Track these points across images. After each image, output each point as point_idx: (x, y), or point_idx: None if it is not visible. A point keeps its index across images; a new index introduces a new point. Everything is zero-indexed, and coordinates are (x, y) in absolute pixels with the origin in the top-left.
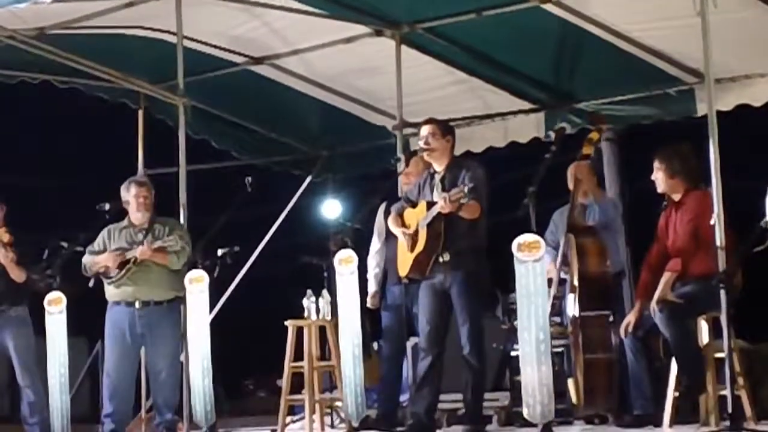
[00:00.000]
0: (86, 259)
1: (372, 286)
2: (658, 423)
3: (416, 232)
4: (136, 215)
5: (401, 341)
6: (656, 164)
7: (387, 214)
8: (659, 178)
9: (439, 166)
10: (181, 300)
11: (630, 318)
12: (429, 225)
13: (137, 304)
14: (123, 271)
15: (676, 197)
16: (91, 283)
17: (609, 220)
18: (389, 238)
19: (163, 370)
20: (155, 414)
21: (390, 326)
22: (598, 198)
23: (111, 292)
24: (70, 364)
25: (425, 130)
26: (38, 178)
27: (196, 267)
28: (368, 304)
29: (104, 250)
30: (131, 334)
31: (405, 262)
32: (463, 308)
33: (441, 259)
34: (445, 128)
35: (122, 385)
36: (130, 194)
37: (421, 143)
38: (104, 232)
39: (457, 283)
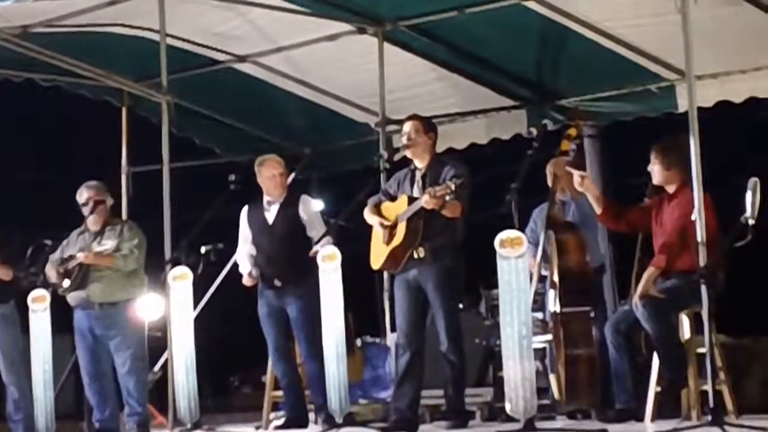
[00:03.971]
0: (47, 269)
1: (246, 267)
2: (640, 417)
3: (394, 225)
4: (91, 219)
5: (289, 342)
6: (653, 156)
7: (250, 222)
8: (655, 169)
9: (420, 163)
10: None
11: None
12: (409, 219)
13: (95, 307)
14: (71, 280)
15: (670, 189)
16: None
17: (586, 216)
18: (257, 241)
19: (123, 365)
20: (125, 406)
21: (272, 329)
22: (575, 195)
23: (70, 297)
24: (54, 361)
25: (408, 126)
26: (22, 177)
27: (180, 264)
28: (246, 283)
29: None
30: (93, 335)
31: (379, 255)
32: (440, 305)
33: (416, 255)
34: (428, 125)
35: (101, 384)
36: (81, 199)
37: (404, 139)
38: (66, 240)
39: (433, 280)
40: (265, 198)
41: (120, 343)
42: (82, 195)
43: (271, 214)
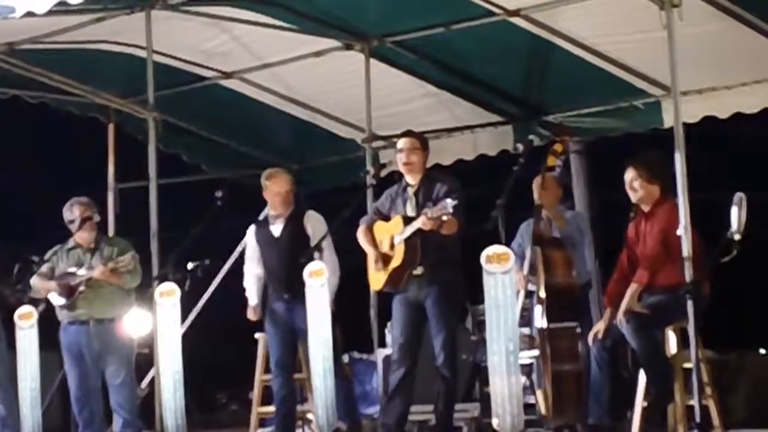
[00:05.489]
0: (35, 282)
1: (253, 300)
2: None
3: (391, 246)
4: (82, 235)
5: (292, 357)
6: (633, 172)
7: (257, 237)
8: (637, 185)
9: (412, 180)
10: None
11: (599, 326)
12: (407, 240)
13: (91, 323)
14: (74, 296)
15: (646, 208)
16: (40, 308)
17: (570, 233)
18: (265, 255)
19: (118, 377)
20: (116, 420)
21: (277, 343)
22: (559, 220)
23: (64, 313)
24: (41, 378)
25: (407, 143)
26: (7, 193)
27: (167, 280)
28: (249, 316)
29: (52, 272)
30: (89, 351)
31: (379, 277)
32: (438, 319)
33: (415, 272)
34: (424, 142)
35: (90, 399)
36: (74, 214)
37: (403, 156)
38: (51, 253)
39: (432, 295)
40: (270, 212)
41: (114, 358)
42: (74, 211)
43: (277, 228)
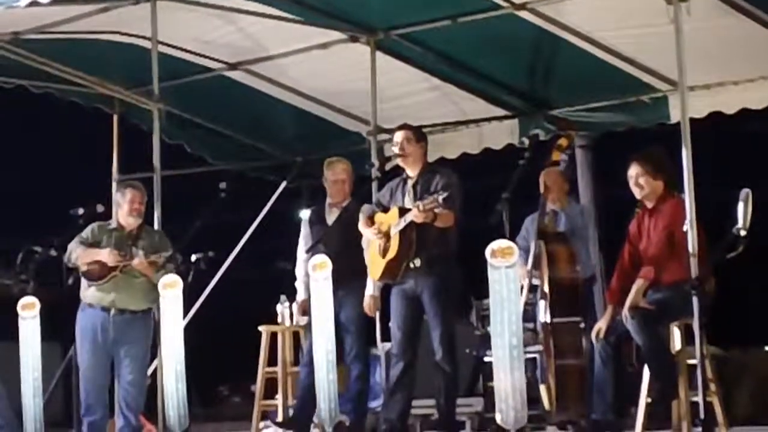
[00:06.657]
0: (76, 248)
1: (301, 294)
2: (619, 429)
3: (388, 237)
4: (128, 220)
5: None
6: (637, 168)
7: (311, 223)
8: (643, 181)
9: (412, 172)
10: (152, 311)
11: (601, 323)
12: (401, 231)
13: (113, 311)
14: (108, 278)
15: (650, 204)
16: (70, 280)
17: (576, 227)
18: (316, 246)
19: (130, 374)
20: (118, 416)
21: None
22: (565, 205)
23: (89, 294)
24: (43, 368)
25: (399, 135)
26: (12, 183)
27: (170, 272)
28: (298, 312)
29: (95, 244)
30: (104, 337)
31: (377, 267)
32: (435, 314)
33: (412, 265)
34: (419, 134)
35: (97, 384)
36: (125, 198)
37: (396, 149)
38: (94, 227)
39: (429, 289)
40: (328, 200)
41: (129, 353)
42: (128, 194)
43: (331, 217)
